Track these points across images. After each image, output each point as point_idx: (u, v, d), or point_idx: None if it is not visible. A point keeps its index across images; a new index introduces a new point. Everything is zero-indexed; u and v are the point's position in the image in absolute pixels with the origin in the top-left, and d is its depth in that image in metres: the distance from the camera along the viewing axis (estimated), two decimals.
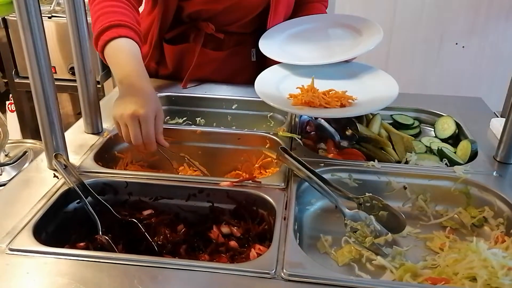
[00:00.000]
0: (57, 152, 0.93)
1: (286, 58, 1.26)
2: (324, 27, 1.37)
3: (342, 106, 1.08)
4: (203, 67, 1.39)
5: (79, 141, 1.07)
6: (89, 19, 1.06)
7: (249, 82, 1.26)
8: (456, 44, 2.54)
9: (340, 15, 1.45)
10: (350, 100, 1.10)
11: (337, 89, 1.12)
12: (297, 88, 1.14)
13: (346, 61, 1.26)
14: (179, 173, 1.09)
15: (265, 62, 1.34)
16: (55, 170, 0.94)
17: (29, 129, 2.73)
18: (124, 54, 1.07)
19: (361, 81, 1.20)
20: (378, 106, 1.08)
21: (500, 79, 2.55)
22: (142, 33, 1.18)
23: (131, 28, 1.11)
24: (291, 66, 1.25)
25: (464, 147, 1.10)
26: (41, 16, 0.82)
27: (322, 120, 1.21)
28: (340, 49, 1.27)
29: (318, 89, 1.12)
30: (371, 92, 1.13)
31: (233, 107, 1.32)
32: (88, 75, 1.04)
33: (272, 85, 1.19)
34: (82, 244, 0.86)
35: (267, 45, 1.30)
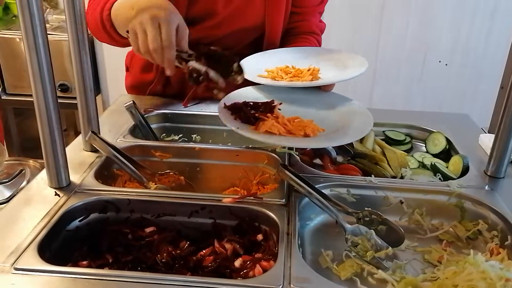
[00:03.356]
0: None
1: (259, 80, 1.21)
2: (310, 57, 1.32)
3: (306, 135, 1.02)
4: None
5: (78, 159, 1.07)
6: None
7: None
8: (440, 62, 2.62)
9: (330, 49, 1.41)
10: (315, 131, 1.04)
11: (309, 118, 1.07)
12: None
13: (326, 91, 1.22)
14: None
15: None
16: (57, 189, 0.94)
17: (15, 146, 2.70)
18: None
19: (336, 112, 1.14)
20: (339, 142, 1.05)
21: (481, 95, 2.63)
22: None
23: None
24: (266, 90, 1.20)
25: (456, 162, 1.13)
26: (47, 36, 0.83)
27: None
28: (321, 76, 1.23)
29: (283, 116, 1.06)
30: (342, 125, 1.07)
31: None
32: (88, 93, 1.05)
33: None
34: (84, 262, 0.86)
35: (245, 67, 1.25)
